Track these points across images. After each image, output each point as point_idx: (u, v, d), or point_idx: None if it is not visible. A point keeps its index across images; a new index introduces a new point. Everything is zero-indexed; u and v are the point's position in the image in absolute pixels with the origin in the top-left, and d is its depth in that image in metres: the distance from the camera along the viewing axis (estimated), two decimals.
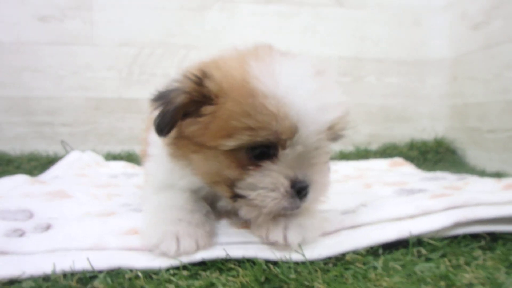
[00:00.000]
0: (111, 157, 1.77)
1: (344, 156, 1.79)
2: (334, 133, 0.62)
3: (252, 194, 0.58)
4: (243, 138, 0.56)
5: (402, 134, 1.98)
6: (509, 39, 1.52)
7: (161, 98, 0.61)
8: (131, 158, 1.76)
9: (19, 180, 1.01)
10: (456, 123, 1.87)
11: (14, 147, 1.75)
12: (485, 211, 0.67)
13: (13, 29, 1.77)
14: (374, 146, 1.92)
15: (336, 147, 1.89)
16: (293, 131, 0.56)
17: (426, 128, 2.00)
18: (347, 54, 1.89)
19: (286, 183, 0.58)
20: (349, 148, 1.91)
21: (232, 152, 0.58)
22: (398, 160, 1.51)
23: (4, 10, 1.77)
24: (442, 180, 1.06)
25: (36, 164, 1.64)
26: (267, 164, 0.58)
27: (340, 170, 1.37)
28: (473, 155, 1.74)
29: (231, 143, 0.57)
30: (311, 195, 0.60)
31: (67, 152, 1.70)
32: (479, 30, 1.69)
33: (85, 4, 1.82)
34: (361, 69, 1.95)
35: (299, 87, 0.56)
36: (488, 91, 1.64)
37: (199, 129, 0.60)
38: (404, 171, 1.37)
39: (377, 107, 1.99)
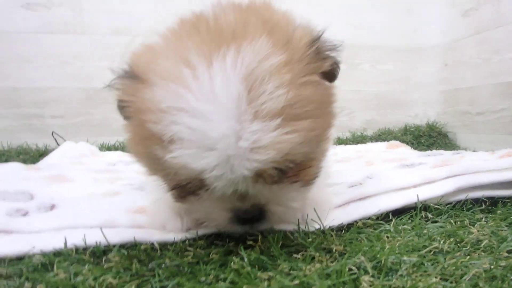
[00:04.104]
0: (106, 148, 1.73)
1: (341, 141, 1.83)
2: (276, 169, 0.44)
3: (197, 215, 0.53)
4: (155, 176, 0.48)
5: (396, 119, 2.02)
6: (496, 24, 1.58)
7: None
8: (127, 149, 1.73)
9: (14, 166, 0.97)
10: (447, 108, 1.93)
11: (2, 141, 1.68)
12: (485, 177, 0.71)
13: None
14: (369, 132, 1.97)
15: (333, 133, 1.92)
16: (198, 184, 0.44)
17: (419, 114, 2.06)
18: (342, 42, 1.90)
19: (224, 215, 0.49)
20: (346, 134, 1.94)
21: None
22: (395, 142, 1.57)
23: None
24: (439, 156, 1.10)
25: (26, 158, 1.59)
26: (205, 195, 0.47)
27: (339, 152, 1.40)
28: (463, 138, 1.80)
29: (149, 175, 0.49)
30: (271, 219, 0.51)
31: (58, 145, 1.65)
32: (468, 17, 1.74)
33: None
34: (355, 57, 1.97)
35: (205, 131, 0.39)
36: (477, 75, 1.69)
37: None
38: (401, 151, 1.40)
39: (372, 94, 2.03)
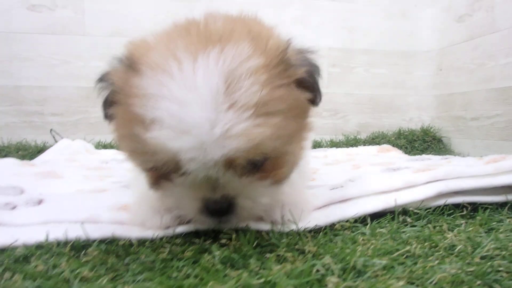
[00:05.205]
0: (102, 146, 1.76)
1: (334, 144, 1.83)
2: (247, 159, 0.47)
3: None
4: (133, 160, 0.51)
5: (390, 123, 2.04)
6: (490, 30, 1.59)
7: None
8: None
9: (8, 162, 1.00)
10: (441, 112, 1.94)
11: (2, 137, 1.72)
12: (466, 182, 0.71)
13: (2, 17, 1.74)
14: (363, 136, 1.98)
15: (327, 136, 1.93)
16: (173, 166, 0.47)
17: (413, 118, 2.07)
18: (337, 45, 1.93)
19: (194, 204, 0.51)
20: (340, 137, 1.95)
21: None
22: (386, 146, 1.56)
23: None
24: (427, 161, 1.10)
25: (24, 154, 1.62)
26: (178, 180, 0.50)
27: (330, 155, 1.41)
28: (458, 143, 1.81)
29: (128, 160, 0.52)
30: (239, 213, 0.52)
31: (56, 142, 1.68)
32: (463, 22, 1.76)
33: None
34: (350, 61, 1.99)
35: (184, 116, 0.43)
36: (471, 80, 1.70)
37: None
38: (391, 155, 1.41)
39: (366, 98, 2.04)
